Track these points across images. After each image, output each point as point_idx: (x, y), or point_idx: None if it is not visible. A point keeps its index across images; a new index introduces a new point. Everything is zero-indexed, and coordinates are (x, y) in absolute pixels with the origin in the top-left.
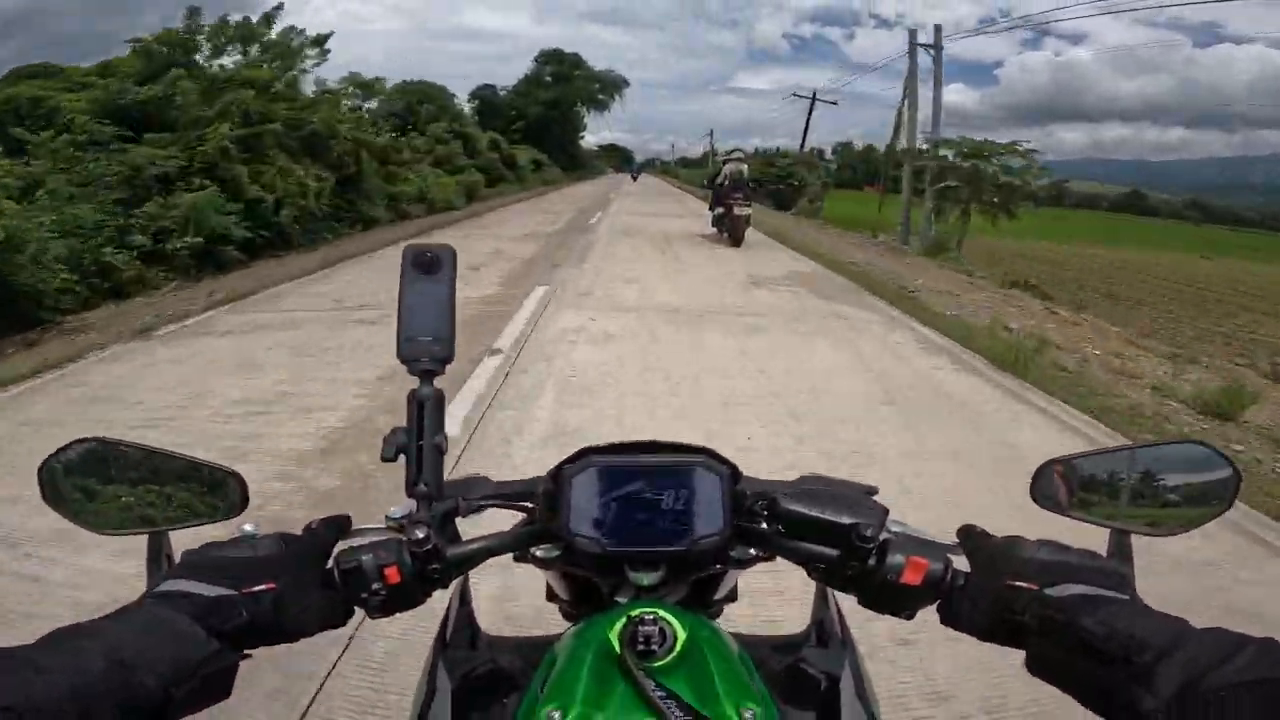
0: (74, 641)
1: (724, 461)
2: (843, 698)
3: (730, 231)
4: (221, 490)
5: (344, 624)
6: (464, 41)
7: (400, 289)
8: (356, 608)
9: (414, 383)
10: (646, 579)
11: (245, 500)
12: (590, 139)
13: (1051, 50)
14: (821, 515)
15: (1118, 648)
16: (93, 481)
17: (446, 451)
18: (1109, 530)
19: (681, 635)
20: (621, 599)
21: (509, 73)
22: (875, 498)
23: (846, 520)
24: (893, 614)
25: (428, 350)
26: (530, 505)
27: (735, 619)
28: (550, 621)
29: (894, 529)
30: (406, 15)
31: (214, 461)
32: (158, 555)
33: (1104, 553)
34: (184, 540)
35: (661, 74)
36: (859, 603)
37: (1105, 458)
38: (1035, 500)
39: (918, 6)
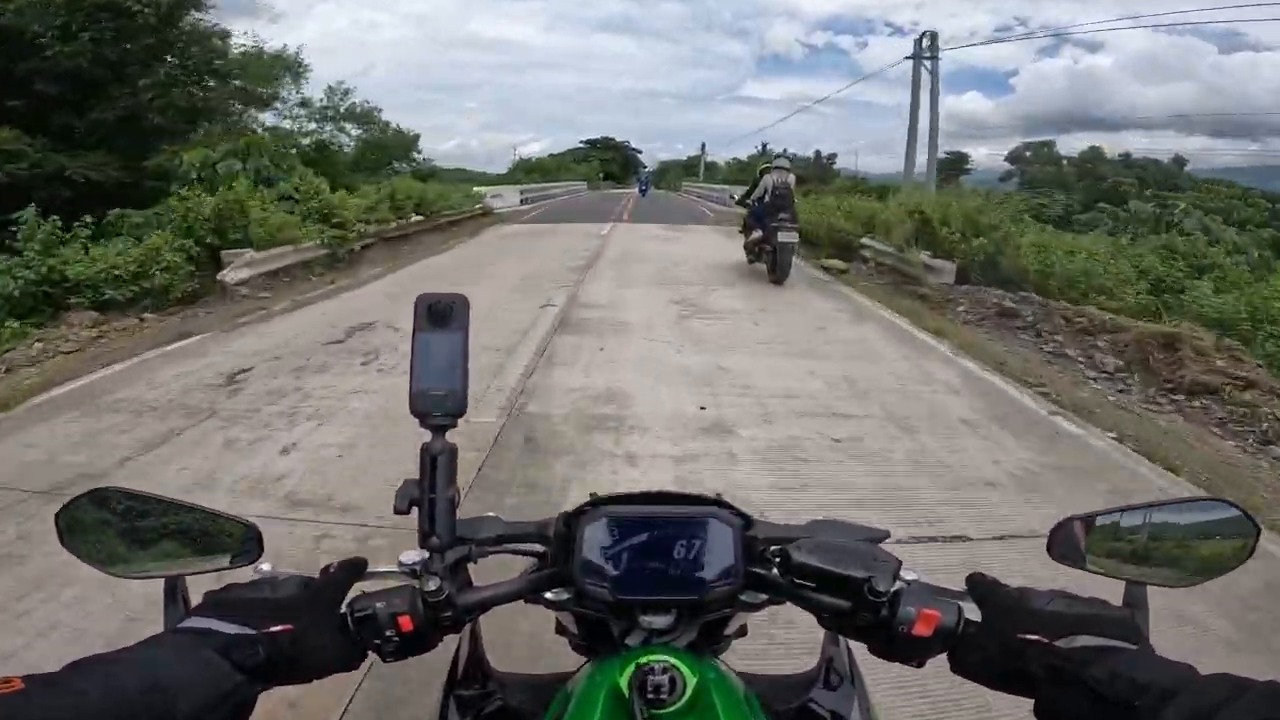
0: (106, 667)
1: (737, 512)
2: None
3: (771, 264)
4: (237, 539)
5: (358, 666)
6: (474, 51)
7: (413, 340)
8: (370, 651)
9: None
10: (658, 622)
11: (260, 549)
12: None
13: (1069, 58)
14: (834, 569)
15: (1124, 693)
16: (109, 530)
17: (459, 505)
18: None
19: (691, 681)
20: (632, 641)
21: (518, 83)
22: (885, 544)
23: (859, 574)
24: (903, 662)
25: (440, 405)
26: (541, 549)
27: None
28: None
29: (906, 578)
30: (416, 23)
31: (229, 513)
32: (174, 596)
33: (1119, 600)
34: (203, 584)
35: (670, 84)
36: (870, 650)
37: (1124, 514)
38: (1052, 556)
39: (934, 15)
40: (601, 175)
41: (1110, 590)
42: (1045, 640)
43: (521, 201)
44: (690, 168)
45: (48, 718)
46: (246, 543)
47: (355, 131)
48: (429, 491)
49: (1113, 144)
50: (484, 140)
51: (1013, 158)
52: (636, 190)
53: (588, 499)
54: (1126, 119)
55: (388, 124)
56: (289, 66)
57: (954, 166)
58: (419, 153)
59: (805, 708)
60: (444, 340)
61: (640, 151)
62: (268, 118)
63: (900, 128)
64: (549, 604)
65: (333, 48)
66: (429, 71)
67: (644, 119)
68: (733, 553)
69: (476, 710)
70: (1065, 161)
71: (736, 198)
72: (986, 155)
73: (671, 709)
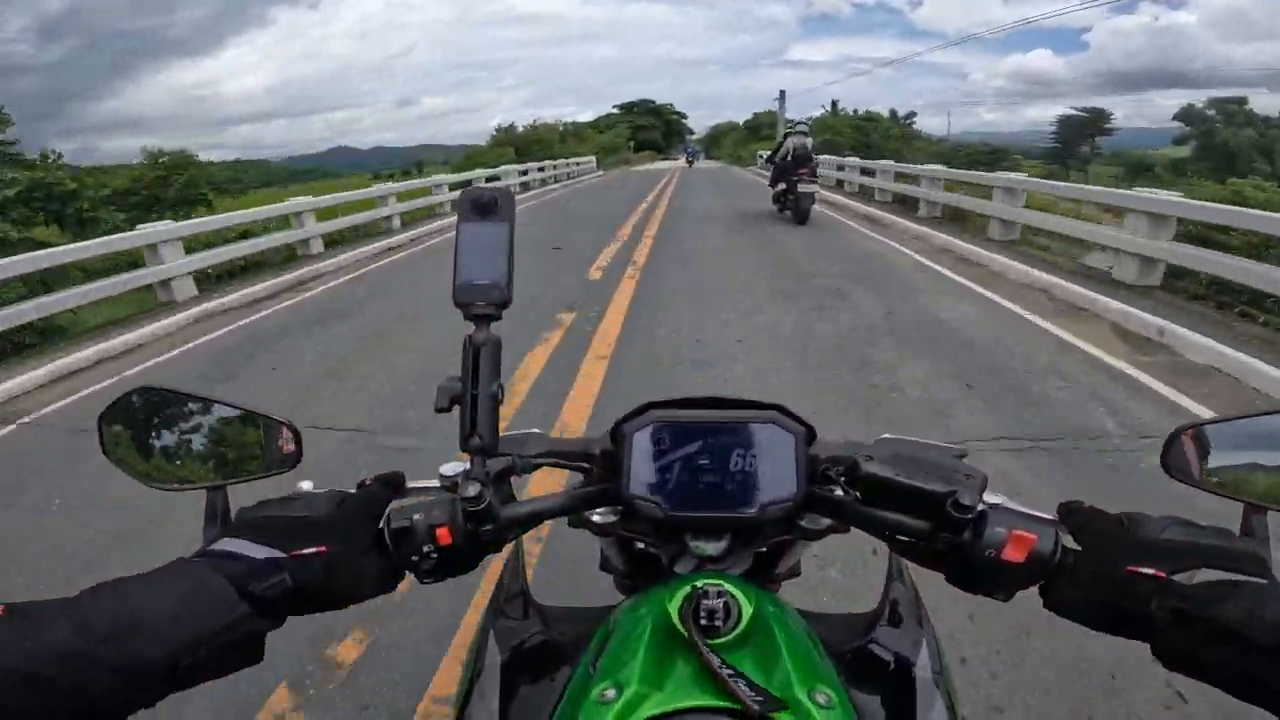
0: (98, 600)
1: (798, 420)
2: (918, 682)
3: (794, 210)
4: (277, 441)
5: (392, 589)
6: (511, 26)
7: (456, 232)
8: (407, 572)
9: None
10: (709, 548)
11: (300, 452)
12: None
13: (1149, 15)
14: (911, 482)
15: (1264, 635)
16: (148, 433)
17: (503, 401)
18: (1241, 505)
19: (748, 610)
20: (681, 569)
21: (555, 56)
22: (966, 460)
23: (940, 488)
24: (986, 594)
25: (484, 294)
26: (588, 466)
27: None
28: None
29: (990, 500)
30: (451, 2)
31: (268, 412)
32: (214, 511)
33: (1236, 529)
34: (240, 494)
35: (711, 50)
36: (946, 579)
37: (1241, 424)
38: (1166, 470)
39: None
40: (631, 144)
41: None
42: (1161, 574)
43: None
44: (757, 129)
45: (11, 650)
46: (287, 444)
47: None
48: (471, 387)
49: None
50: (521, 117)
51: (1186, 116)
52: (683, 161)
53: (638, 405)
54: (1213, 76)
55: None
56: None
57: (1089, 126)
58: None
59: (867, 648)
60: (489, 231)
61: (685, 117)
62: None
63: (957, 87)
64: (593, 527)
65: (372, 30)
66: (466, 50)
67: (687, 86)
68: (793, 465)
69: (517, 643)
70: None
71: (764, 157)
72: (1057, 115)
73: (727, 638)
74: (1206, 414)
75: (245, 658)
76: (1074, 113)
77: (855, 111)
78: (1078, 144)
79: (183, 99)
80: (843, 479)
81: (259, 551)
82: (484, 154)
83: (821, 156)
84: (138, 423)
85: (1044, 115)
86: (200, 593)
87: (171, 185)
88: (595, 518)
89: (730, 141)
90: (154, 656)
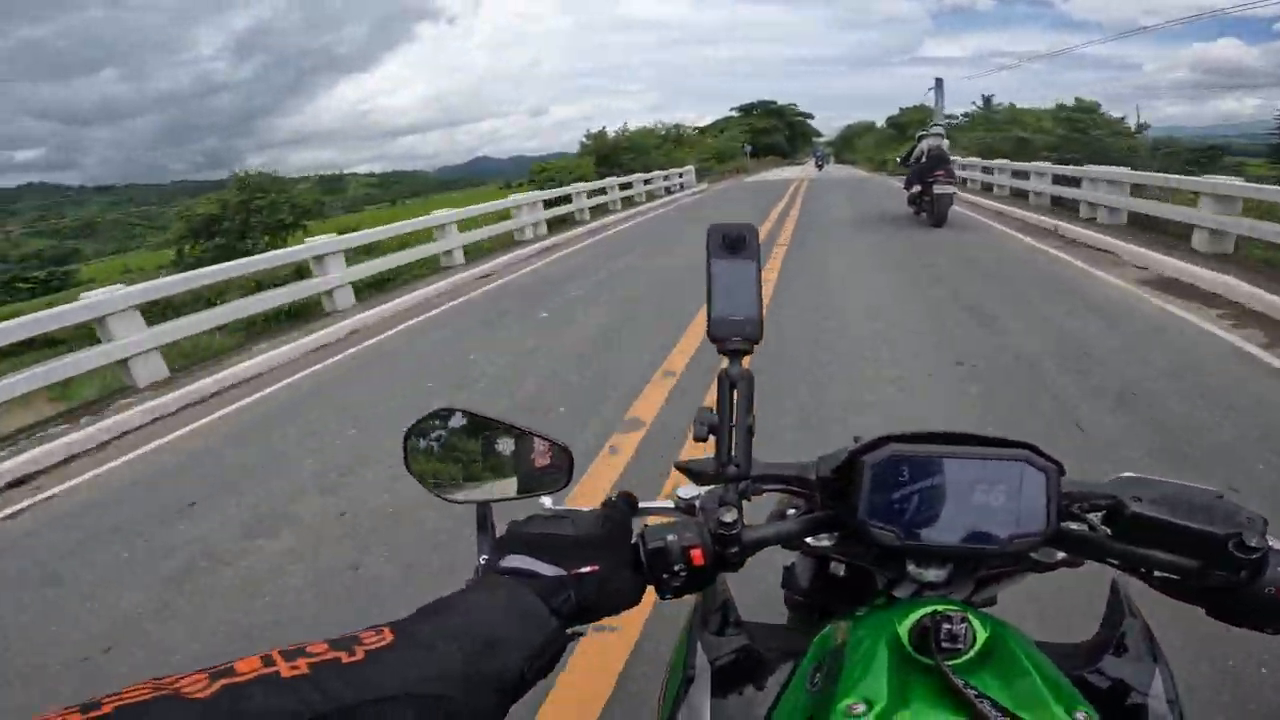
0: (452, 619)
1: (1049, 458)
2: (1150, 712)
3: (930, 212)
4: (552, 463)
5: (638, 603)
6: (629, 32)
7: (708, 269)
8: (652, 586)
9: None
10: (930, 574)
11: (571, 474)
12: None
13: None
14: (1190, 524)
15: None
16: (442, 449)
17: (755, 433)
18: None
19: (983, 634)
20: (899, 594)
21: (674, 59)
22: (1225, 499)
23: (1221, 531)
24: (1256, 629)
25: (738, 329)
26: (808, 491)
27: None
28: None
29: (1272, 542)
30: (571, 11)
31: (548, 434)
32: (485, 523)
33: None
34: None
35: (832, 49)
36: (1208, 614)
37: None
38: None
39: None
40: (748, 149)
41: None
42: None
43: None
44: (904, 128)
45: (414, 675)
46: (559, 468)
47: None
48: (728, 420)
49: None
50: (649, 121)
51: None
52: (812, 165)
53: (867, 440)
54: None
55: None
56: None
57: None
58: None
59: (1088, 677)
60: (738, 267)
61: (812, 117)
62: None
63: (1113, 81)
64: (807, 548)
65: (503, 42)
66: (590, 57)
67: (811, 87)
68: (1044, 502)
69: (718, 655)
70: None
71: (900, 160)
72: (1255, 108)
73: (964, 659)
74: None
75: (550, 668)
76: None
77: (944, 120)
78: None
79: (349, 114)
80: (1100, 516)
81: (548, 569)
82: (556, 167)
83: (981, 160)
84: (435, 439)
85: (1238, 108)
86: (525, 608)
87: (258, 211)
88: (811, 541)
89: (868, 143)
90: (513, 670)
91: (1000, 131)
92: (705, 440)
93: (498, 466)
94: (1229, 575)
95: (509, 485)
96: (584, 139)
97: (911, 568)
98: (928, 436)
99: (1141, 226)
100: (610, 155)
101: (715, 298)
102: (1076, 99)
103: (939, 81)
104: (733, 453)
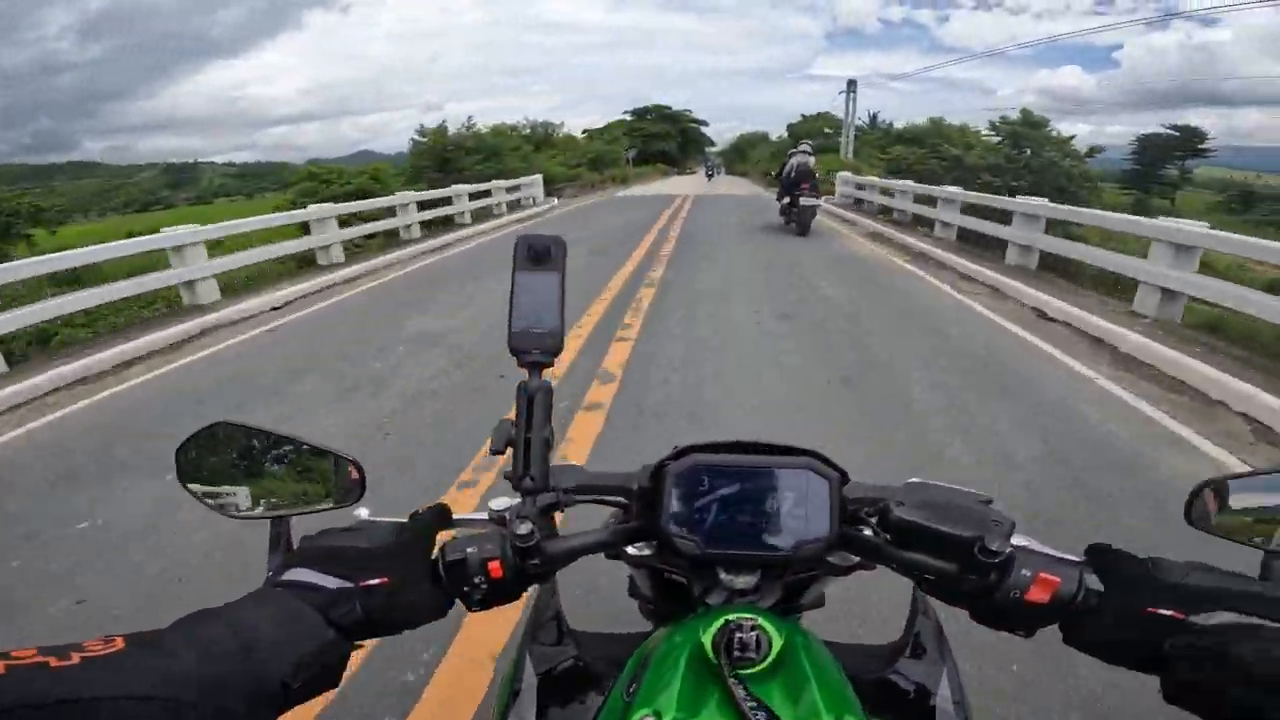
0: (205, 627)
1: (832, 465)
2: (938, 713)
3: (797, 221)
4: (341, 477)
5: (443, 616)
6: (541, 33)
7: (512, 280)
8: (456, 600)
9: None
10: (740, 582)
11: (363, 487)
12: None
13: (1182, 32)
14: (941, 528)
15: (1275, 672)
16: (222, 464)
17: (554, 446)
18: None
19: (778, 642)
20: (713, 601)
21: (583, 62)
22: (993, 506)
23: (969, 534)
24: (1009, 631)
25: (539, 343)
26: (626, 502)
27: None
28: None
29: (1019, 542)
30: (487, 7)
31: (335, 448)
32: (278, 539)
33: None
34: (302, 522)
35: (739, 61)
36: (972, 617)
37: (1260, 479)
38: (1188, 521)
39: None
40: (631, 154)
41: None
42: (1179, 615)
43: None
44: (809, 137)
45: (139, 680)
46: (350, 480)
47: None
48: (525, 431)
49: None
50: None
51: None
52: (703, 176)
53: (675, 449)
54: (1250, 95)
55: None
56: None
57: (1177, 149)
58: None
59: (889, 678)
60: (542, 280)
61: (706, 125)
62: None
63: (980, 102)
64: (630, 559)
65: (402, 35)
66: (498, 55)
67: (709, 93)
68: (827, 508)
69: (552, 665)
70: None
71: (773, 175)
72: (1089, 133)
73: (757, 669)
74: None
75: (329, 681)
76: (1162, 130)
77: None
78: (1162, 166)
79: (216, 100)
80: (875, 521)
81: (330, 582)
82: (330, 171)
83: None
84: (214, 454)
85: (1074, 130)
86: (294, 618)
87: None
88: (631, 550)
89: (762, 154)
90: (271, 678)
91: (929, 149)
92: (502, 453)
93: (285, 481)
94: (980, 579)
95: (298, 499)
96: (416, 135)
97: (723, 575)
98: (729, 446)
99: (970, 241)
100: (451, 157)
101: (518, 310)
102: (1023, 111)
103: (852, 83)
104: (529, 465)
